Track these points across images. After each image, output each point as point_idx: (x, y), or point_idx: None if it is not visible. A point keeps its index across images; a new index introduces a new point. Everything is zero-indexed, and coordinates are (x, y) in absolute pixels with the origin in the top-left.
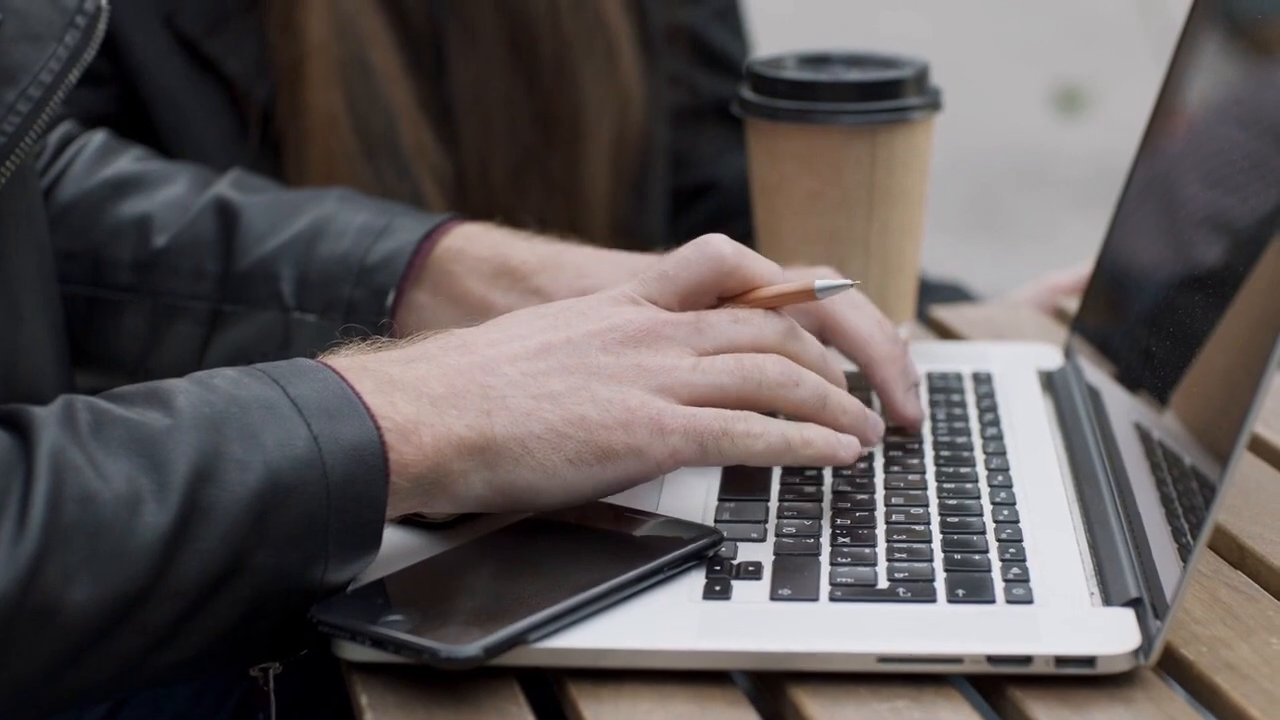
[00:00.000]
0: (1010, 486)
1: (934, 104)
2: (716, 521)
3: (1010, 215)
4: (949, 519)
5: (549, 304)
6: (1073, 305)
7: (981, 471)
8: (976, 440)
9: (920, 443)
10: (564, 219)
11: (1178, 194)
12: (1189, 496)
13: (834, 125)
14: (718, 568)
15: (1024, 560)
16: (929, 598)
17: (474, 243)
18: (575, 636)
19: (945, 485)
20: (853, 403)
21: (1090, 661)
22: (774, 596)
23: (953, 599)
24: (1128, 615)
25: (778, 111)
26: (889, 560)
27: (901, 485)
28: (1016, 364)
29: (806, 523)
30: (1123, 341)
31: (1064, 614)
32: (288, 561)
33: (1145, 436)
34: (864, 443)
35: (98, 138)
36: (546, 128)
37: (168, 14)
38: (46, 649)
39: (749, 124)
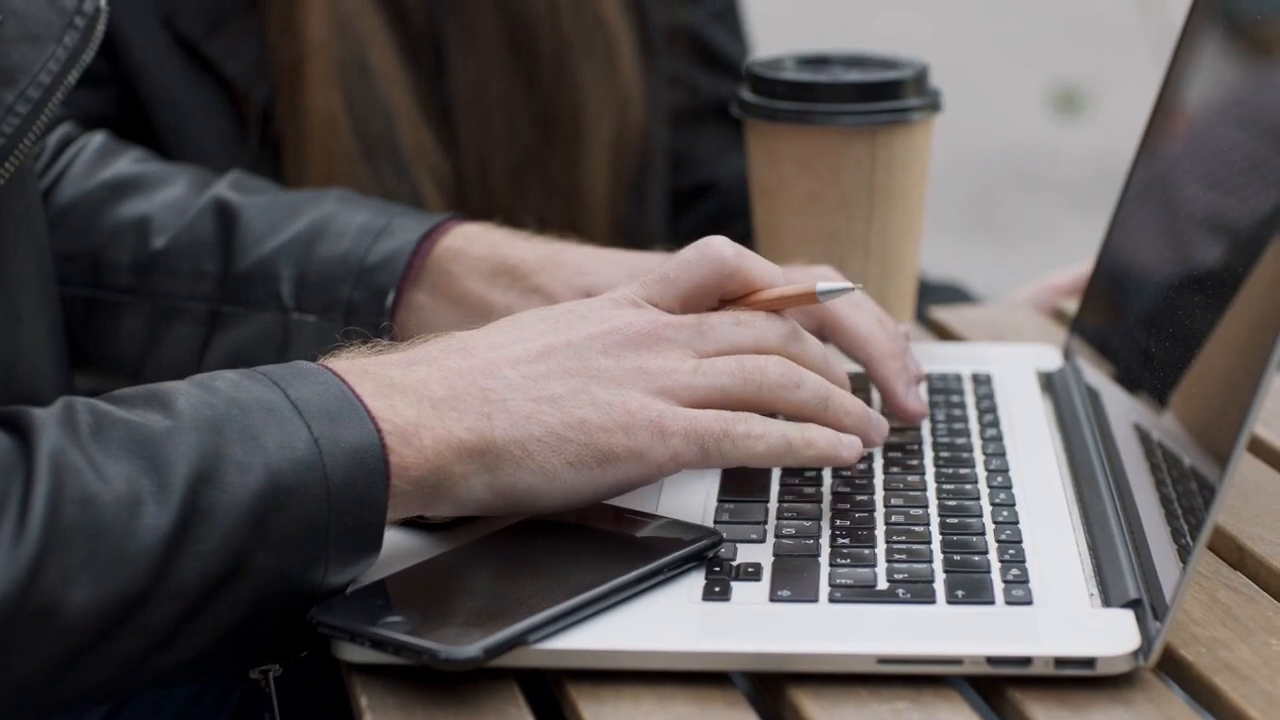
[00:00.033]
0: (1010, 488)
1: (933, 105)
2: (716, 523)
3: (1010, 216)
4: (948, 520)
5: (550, 307)
6: (1072, 306)
7: (981, 473)
8: (976, 441)
9: (920, 444)
10: (563, 219)
11: (1177, 195)
12: (1188, 497)
13: (833, 126)
14: (717, 569)
15: (1023, 561)
16: (928, 599)
17: (473, 242)
18: (575, 637)
19: (945, 486)
20: (855, 403)
21: (1090, 663)
22: (773, 597)
23: (952, 600)
24: (1127, 616)
25: (777, 113)
26: (888, 561)
27: (901, 486)
28: (1016, 365)
29: (806, 524)
30: (1122, 342)
31: (1063, 615)
32: (288, 563)
33: (1145, 437)
34: (867, 443)
35: (97, 139)
36: (546, 128)
37: (167, 15)
38: (46, 650)
39: (748, 125)
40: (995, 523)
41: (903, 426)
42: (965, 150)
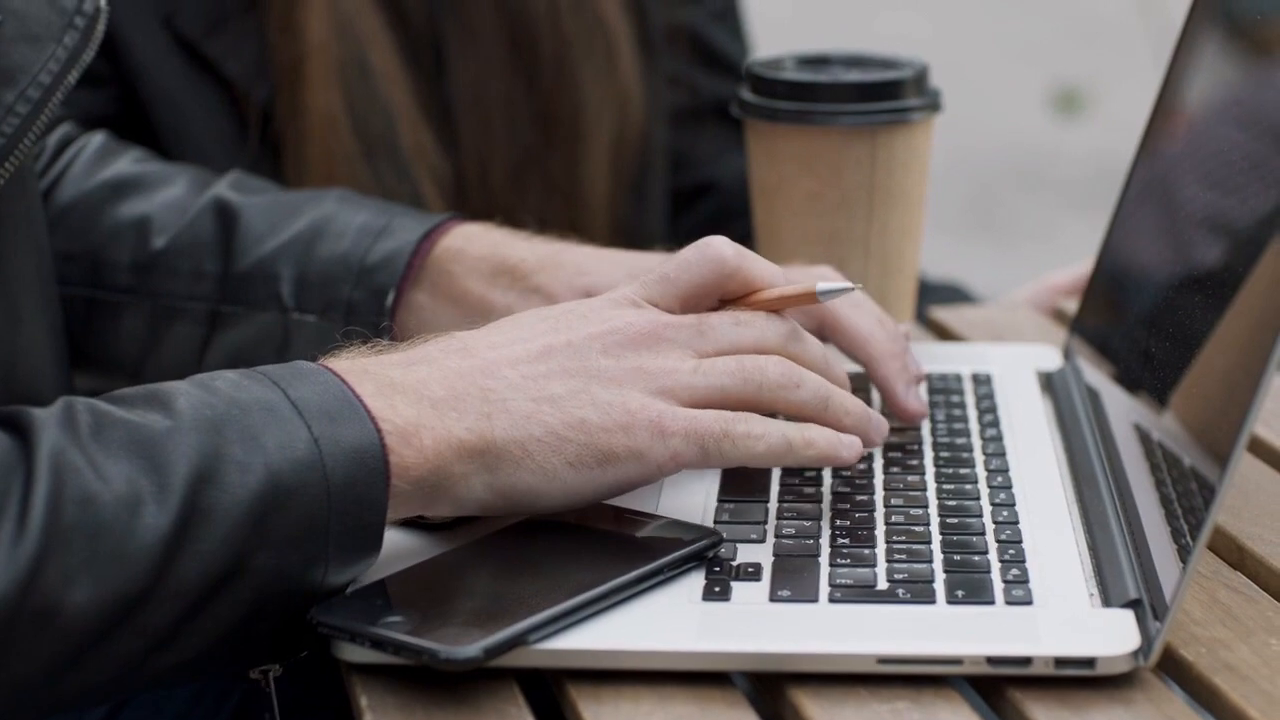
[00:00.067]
0: (1010, 488)
1: (933, 105)
2: (716, 522)
3: (1009, 216)
4: (948, 520)
5: (551, 307)
6: (1072, 306)
7: (981, 473)
8: (976, 441)
9: (920, 444)
10: (563, 219)
11: (1177, 195)
12: (1188, 497)
13: (833, 126)
14: (717, 569)
15: (1023, 561)
16: (928, 599)
17: (473, 242)
18: (575, 638)
19: (945, 486)
20: (855, 403)
21: (1090, 663)
22: (773, 598)
23: (952, 600)
24: (1127, 616)
25: (777, 113)
26: (888, 561)
27: (901, 486)
28: (1016, 365)
29: (806, 524)
30: (1122, 342)
31: (1063, 615)
32: (288, 564)
33: (1145, 437)
34: (867, 443)
35: (97, 139)
36: (546, 128)
37: (167, 15)
38: (46, 650)
39: (748, 125)
40: (995, 523)
41: (903, 426)
42: (965, 150)
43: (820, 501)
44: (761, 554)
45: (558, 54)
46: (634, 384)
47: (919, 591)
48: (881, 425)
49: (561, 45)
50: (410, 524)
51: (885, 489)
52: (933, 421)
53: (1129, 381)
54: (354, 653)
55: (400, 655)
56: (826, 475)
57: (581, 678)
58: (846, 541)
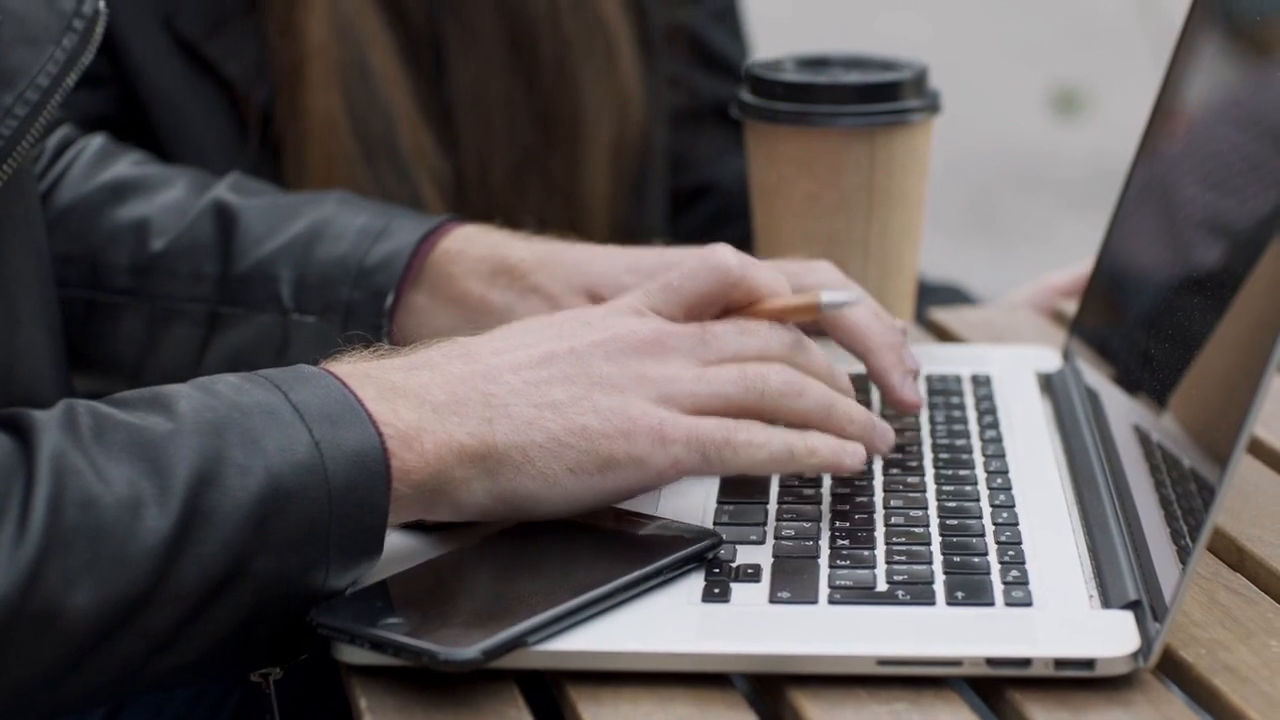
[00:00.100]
0: (1009, 489)
1: (933, 106)
2: (716, 524)
3: (1009, 217)
4: (948, 521)
5: (554, 314)
6: (1071, 307)
7: (980, 474)
8: (975, 443)
9: (919, 445)
10: (563, 220)
11: (1176, 196)
12: (1188, 499)
13: (833, 127)
14: (717, 570)
15: (1023, 563)
16: (928, 600)
17: (472, 243)
18: (574, 639)
19: (944, 488)
20: (860, 411)
21: (1089, 664)
22: (773, 599)
23: (952, 601)
24: (1127, 618)
25: (776, 114)
26: (888, 563)
27: (900, 488)
28: (1015, 366)
29: (805, 525)
30: (1121, 344)
31: (1063, 616)
32: (288, 567)
33: (1144, 439)
34: (871, 451)
35: (96, 141)
36: (546, 128)
37: (167, 16)
38: (47, 653)
39: (748, 126)
40: (995, 524)
41: (902, 427)
42: (964, 151)
43: (820, 503)
44: (761, 555)
45: (558, 54)
46: (636, 391)
47: (918, 593)
48: (886, 433)
49: (561, 46)
50: (410, 525)
51: (885, 490)
52: (932, 423)
53: (1128, 383)
54: (353, 654)
55: (400, 657)
56: (826, 477)
57: (581, 679)
58: (846, 543)
